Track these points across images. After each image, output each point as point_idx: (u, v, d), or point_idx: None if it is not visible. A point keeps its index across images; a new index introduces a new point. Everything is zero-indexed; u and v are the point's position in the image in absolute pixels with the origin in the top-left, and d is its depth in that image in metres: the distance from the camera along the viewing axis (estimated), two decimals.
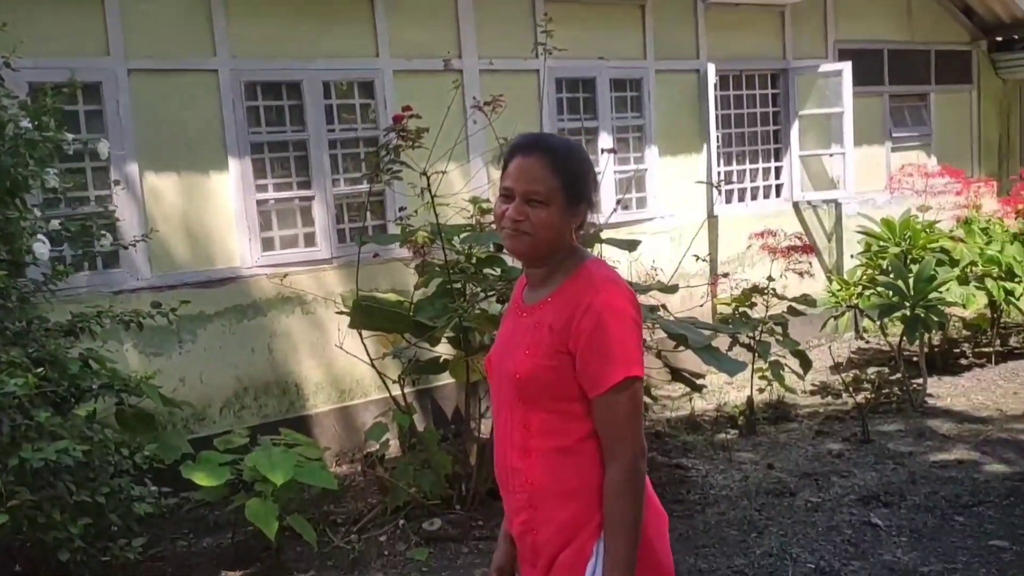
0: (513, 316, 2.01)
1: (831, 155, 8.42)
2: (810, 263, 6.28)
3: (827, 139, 8.44)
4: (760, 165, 8.37)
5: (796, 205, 8.53)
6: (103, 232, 4.59)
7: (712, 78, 7.61)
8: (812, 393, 7.07)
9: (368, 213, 6.01)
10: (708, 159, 7.63)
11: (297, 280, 5.80)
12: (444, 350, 5.23)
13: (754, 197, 8.37)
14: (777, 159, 8.49)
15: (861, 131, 8.72)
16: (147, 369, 4.82)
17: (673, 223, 7.62)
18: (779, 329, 6.01)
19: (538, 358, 1.84)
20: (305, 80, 5.87)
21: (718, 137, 7.91)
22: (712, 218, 7.89)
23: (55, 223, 4.37)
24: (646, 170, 7.51)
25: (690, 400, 6.82)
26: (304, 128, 5.90)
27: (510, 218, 1.85)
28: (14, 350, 3.71)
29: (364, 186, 5.90)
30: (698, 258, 6.65)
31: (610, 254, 5.00)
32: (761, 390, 6.57)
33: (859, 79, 8.48)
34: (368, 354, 4.98)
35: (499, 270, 4.94)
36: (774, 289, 6.16)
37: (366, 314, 4.70)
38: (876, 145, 9.15)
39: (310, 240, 5.96)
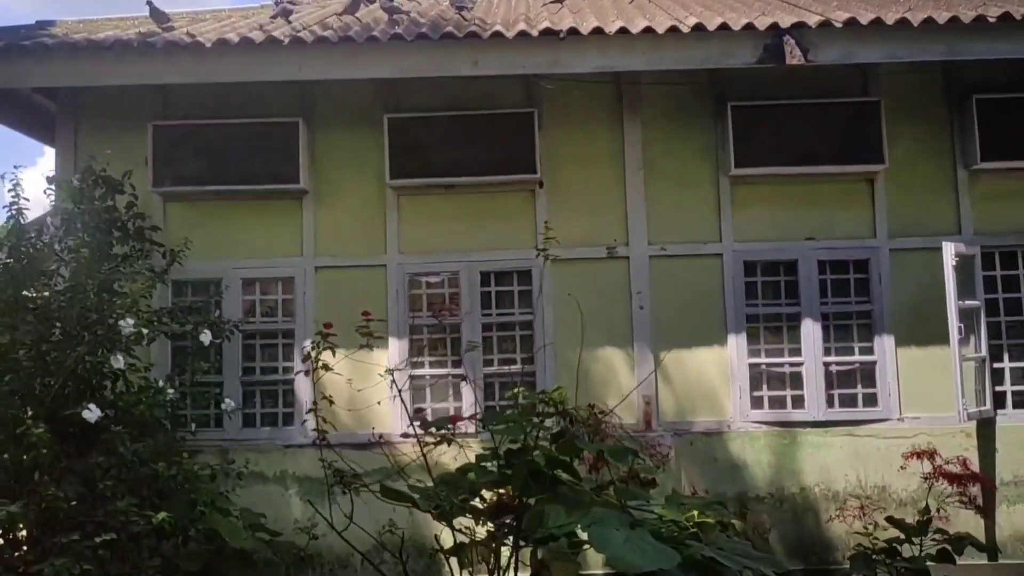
0: None
1: None
2: None
3: None
4: None
5: None
6: (225, 397, 5.83)
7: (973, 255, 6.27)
8: None
9: None
10: (955, 351, 6.16)
11: None
12: None
13: None
14: None
15: None
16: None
17: (918, 426, 6.29)
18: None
19: None
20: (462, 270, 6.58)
21: (998, 325, 6.38)
22: (985, 425, 6.29)
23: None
24: (874, 362, 6.40)
25: None
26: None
27: None
28: None
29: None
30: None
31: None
32: None
33: None
34: None
35: None
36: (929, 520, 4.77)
37: None
38: None
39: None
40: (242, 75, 6.28)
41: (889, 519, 5.17)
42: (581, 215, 6.63)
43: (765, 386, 6.51)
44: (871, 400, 6.43)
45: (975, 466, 5.31)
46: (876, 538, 5.17)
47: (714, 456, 6.38)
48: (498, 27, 6.23)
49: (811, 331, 6.44)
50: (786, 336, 6.52)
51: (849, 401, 6.45)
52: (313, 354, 5.20)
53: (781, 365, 6.52)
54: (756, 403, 6.45)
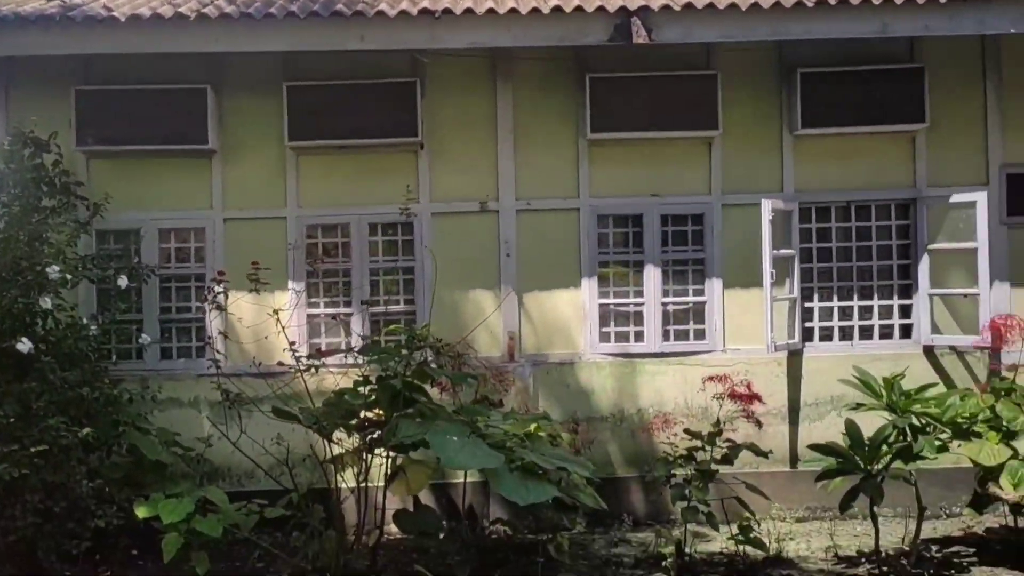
0: None
1: (964, 296, 7.24)
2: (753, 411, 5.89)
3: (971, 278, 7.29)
4: (872, 303, 7.58)
5: (929, 349, 7.45)
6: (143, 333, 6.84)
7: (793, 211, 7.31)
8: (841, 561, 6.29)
9: None
10: (768, 293, 7.24)
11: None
12: None
13: (870, 337, 7.57)
14: (907, 296, 7.57)
15: None
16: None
17: (738, 357, 7.41)
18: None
19: None
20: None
21: (810, 271, 7.50)
22: (794, 355, 7.44)
23: None
24: (704, 302, 7.50)
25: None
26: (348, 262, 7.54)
27: None
28: None
29: None
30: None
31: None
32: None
33: None
34: None
35: None
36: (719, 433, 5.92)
37: None
38: None
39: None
40: (154, 46, 7.06)
41: (686, 431, 6.28)
42: (458, 174, 7.57)
43: (612, 323, 7.59)
44: (701, 335, 7.53)
45: (757, 389, 6.37)
46: (677, 447, 6.29)
47: (566, 383, 7.48)
48: (382, 6, 7.06)
49: (652, 275, 7.49)
50: (631, 280, 7.58)
51: (682, 336, 7.55)
52: (209, 297, 6.19)
53: (627, 305, 7.59)
54: (604, 338, 7.54)
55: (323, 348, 7.40)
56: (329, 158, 7.57)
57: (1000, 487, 5.84)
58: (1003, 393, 6.26)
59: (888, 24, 6.91)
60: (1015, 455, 5.86)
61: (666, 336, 7.51)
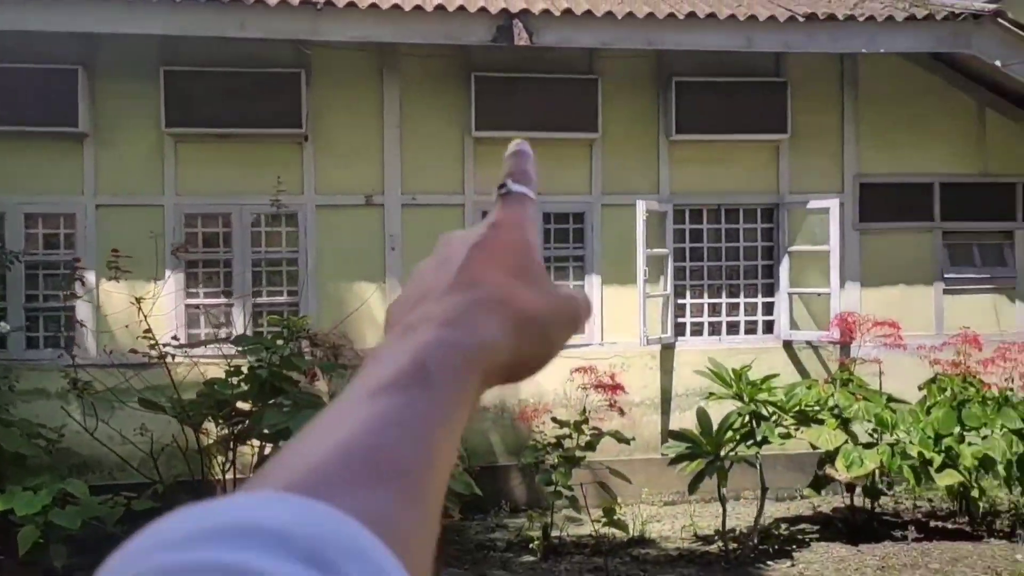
0: None
1: (818, 294, 7.81)
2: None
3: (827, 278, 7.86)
4: (739, 300, 8.08)
5: (788, 344, 7.99)
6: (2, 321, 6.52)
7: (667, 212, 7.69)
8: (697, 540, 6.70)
9: None
10: (641, 290, 7.60)
11: None
12: None
13: (737, 332, 8.06)
14: (770, 295, 8.09)
15: (896, 270, 7.99)
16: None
17: (615, 350, 7.73)
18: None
19: None
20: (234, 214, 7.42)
21: (683, 270, 7.90)
22: (667, 349, 7.82)
23: None
24: None
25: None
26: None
27: None
28: None
29: None
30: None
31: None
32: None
33: (901, 215, 7.92)
34: None
35: None
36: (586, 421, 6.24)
37: None
38: (920, 285, 8.16)
39: None
40: (22, 23, 6.75)
41: (553, 419, 6.55)
42: (344, 167, 7.57)
43: None
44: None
45: (632, 380, 6.72)
46: (546, 435, 6.57)
47: None
48: None
49: None
50: None
51: None
52: (65, 284, 6.01)
53: None
54: None
55: (203, 338, 7.27)
56: (210, 146, 7.42)
57: (836, 469, 6.37)
58: (842, 383, 6.81)
59: (752, 39, 7.36)
60: (850, 440, 6.41)
61: None
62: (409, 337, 0.46)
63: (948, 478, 6.56)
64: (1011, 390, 7.01)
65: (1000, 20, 7.61)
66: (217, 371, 6.49)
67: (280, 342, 6.08)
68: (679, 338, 7.94)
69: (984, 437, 6.60)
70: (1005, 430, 6.57)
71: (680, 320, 8.00)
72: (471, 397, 0.45)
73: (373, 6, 6.97)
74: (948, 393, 6.93)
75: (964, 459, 6.46)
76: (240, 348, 6.20)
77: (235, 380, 5.97)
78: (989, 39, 7.58)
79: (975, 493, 6.80)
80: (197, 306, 7.44)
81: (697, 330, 8.06)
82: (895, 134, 8.08)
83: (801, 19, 7.33)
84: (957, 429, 6.59)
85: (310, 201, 7.49)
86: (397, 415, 0.41)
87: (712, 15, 7.23)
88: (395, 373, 0.43)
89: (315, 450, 0.39)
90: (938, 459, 6.51)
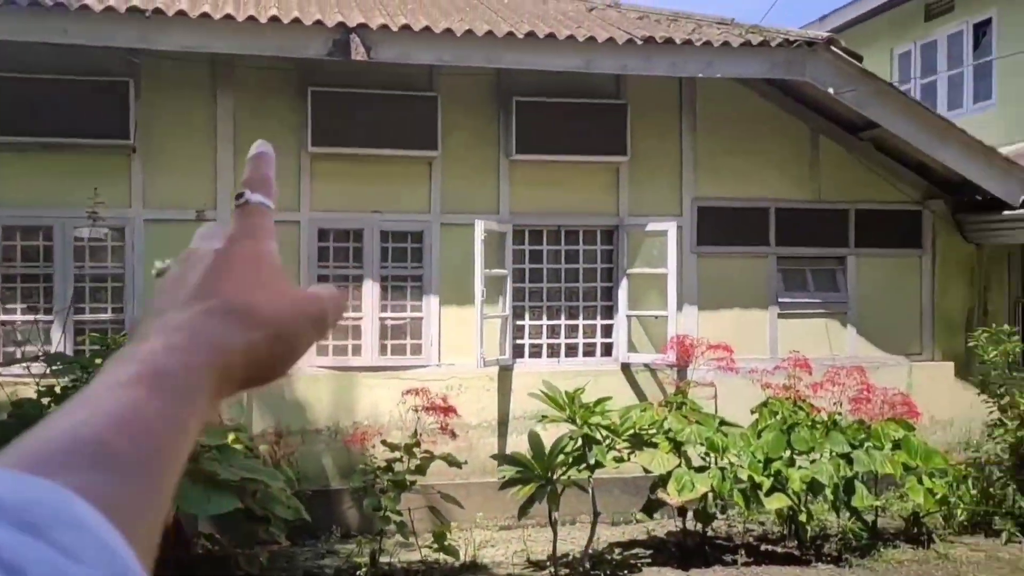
0: None
1: (655, 317, 7.93)
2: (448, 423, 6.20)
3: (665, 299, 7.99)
4: (578, 322, 8.15)
5: (626, 366, 8.08)
6: None
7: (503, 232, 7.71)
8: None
9: None
10: (479, 311, 7.60)
11: None
12: None
13: (576, 354, 8.12)
14: (609, 317, 8.18)
15: (732, 294, 8.15)
16: None
17: (452, 371, 7.70)
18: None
19: None
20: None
21: (523, 291, 7.93)
22: (505, 371, 7.82)
23: None
24: (422, 318, 7.74)
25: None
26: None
27: None
28: None
29: None
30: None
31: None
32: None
33: (738, 239, 8.08)
34: None
35: None
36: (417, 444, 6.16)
37: None
38: (756, 309, 8.36)
39: None
40: None
41: (383, 442, 6.47)
42: (174, 180, 7.39)
43: (330, 337, 7.65)
44: (417, 349, 7.77)
45: (468, 402, 6.70)
46: (376, 458, 6.47)
47: (283, 395, 7.46)
48: (90, 0, 6.77)
49: (371, 290, 7.64)
50: (351, 294, 7.69)
51: (399, 350, 7.75)
52: None
53: (345, 319, 7.69)
54: (322, 351, 7.60)
55: (19, 356, 6.98)
56: (32, 155, 7.15)
57: (668, 493, 6.42)
58: (676, 406, 6.89)
59: (591, 60, 7.46)
60: (683, 463, 6.48)
61: (383, 350, 7.68)
62: (144, 343, 0.52)
63: (777, 502, 6.67)
64: (839, 414, 7.20)
65: (833, 48, 7.88)
66: (29, 391, 6.22)
67: (99, 361, 5.85)
68: (517, 360, 7.95)
69: (813, 461, 6.74)
70: (833, 454, 6.73)
71: (519, 342, 8.01)
72: (202, 396, 0.51)
73: (205, 16, 6.83)
74: (779, 417, 7.06)
75: (793, 483, 6.58)
76: (52, 367, 5.95)
77: (46, 400, 5.73)
78: (823, 66, 7.83)
79: (803, 517, 6.93)
80: (13, 323, 7.14)
81: (536, 352, 8.09)
82: (732, 159, 8.28)
83: (639, 42, 7.45)
84: (787, 453, 6.72)
85: (138, 215, 7.28)
86: (124, 408, 0.47)
87: (551, 35, 7.31)
88: (128, 373, 0.49)
89: (50, 434, 0.44)
90: (767, 483, 6.62)
